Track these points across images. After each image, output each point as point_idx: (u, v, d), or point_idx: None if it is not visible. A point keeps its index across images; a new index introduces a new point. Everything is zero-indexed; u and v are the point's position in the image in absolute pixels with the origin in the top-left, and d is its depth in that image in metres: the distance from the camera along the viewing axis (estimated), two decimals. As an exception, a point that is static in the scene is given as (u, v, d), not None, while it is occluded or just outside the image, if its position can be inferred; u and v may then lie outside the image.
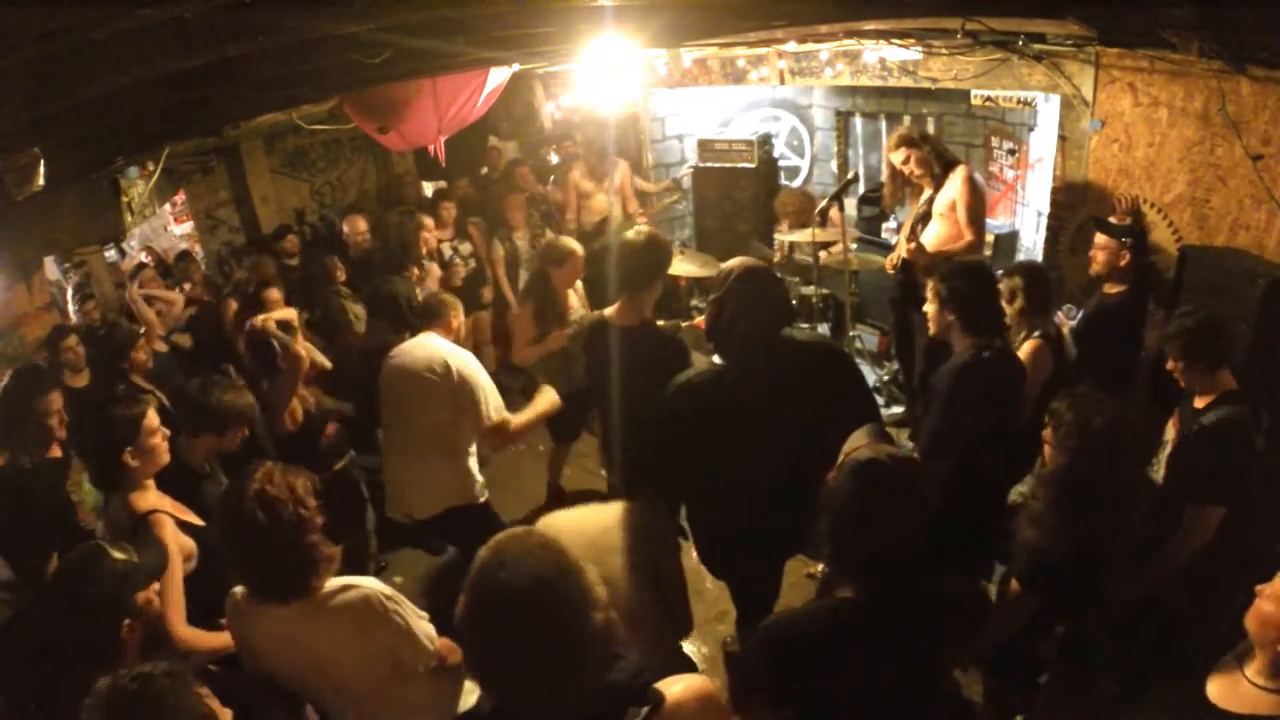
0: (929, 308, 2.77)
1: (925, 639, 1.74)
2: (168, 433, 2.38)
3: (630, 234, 2.90)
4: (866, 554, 1.69)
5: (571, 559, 1.23)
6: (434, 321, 3.26)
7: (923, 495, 1.75)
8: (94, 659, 1.70)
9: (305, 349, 3.32)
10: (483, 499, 3.24)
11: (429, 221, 5.14)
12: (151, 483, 2.33)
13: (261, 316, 3.33)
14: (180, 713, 1.35)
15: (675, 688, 1.26)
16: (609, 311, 2.98)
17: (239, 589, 1.91)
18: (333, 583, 1.87)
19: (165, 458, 2.34)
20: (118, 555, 1.87)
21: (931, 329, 2.79)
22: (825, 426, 2.44)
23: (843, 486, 1.73)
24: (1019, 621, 2.22)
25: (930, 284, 2.76)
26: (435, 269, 5.03)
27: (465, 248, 5.50)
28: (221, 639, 2.09)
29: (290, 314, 3.43)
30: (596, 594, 1.21)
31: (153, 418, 2.31)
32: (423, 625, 1.96)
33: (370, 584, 1.91)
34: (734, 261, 2.53)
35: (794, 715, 1.79)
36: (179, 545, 2.20)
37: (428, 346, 3.14)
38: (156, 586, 1.96)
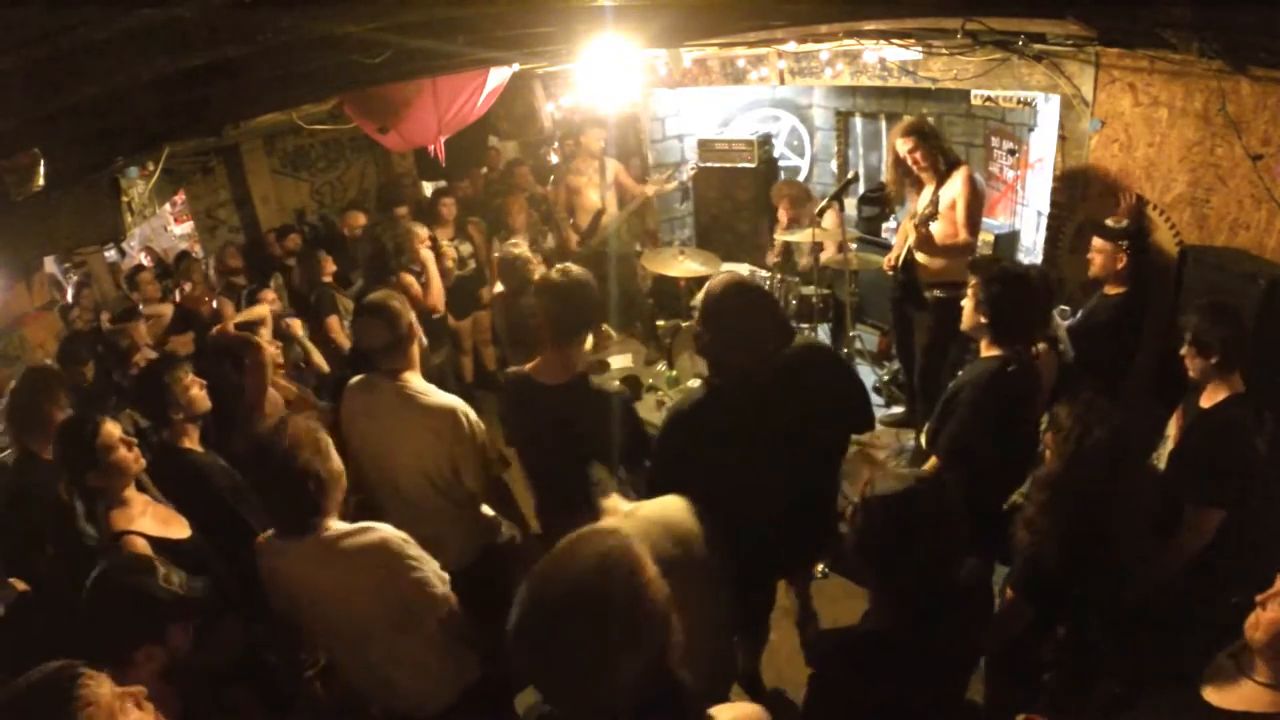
0: (965, 303, 2.74)
1: (961, 652, 1.76)
2: (133, 441, 2.35)
3: (554, 274, 2.47)
4: (909, 580, 1.65)
5: (644, 563, 1.12)
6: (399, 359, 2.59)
7: (959, 513, 1.68)
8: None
9: (276, 344, 3.36)
10: (500, 538, 2.81)
11: (422, 233, 5.09)
12: (131, 494, 2.30)
13: (218, 326, 3.40)
14: (69, 701, 1.35)
15: (727, 715, 1.23)
16: (530, 367, 2.54)
17: (271, 530, 2.03)
18: (347, 525, 1.97)
19: (135, 467, 2.32)
20: (171, 580, 1.83)
21: (965, 324, 2.76)
22: (822, 430, 2.41)
23: (879, 520, 1.66)
24: (1016, 627, 2.22)
25: (971, 280, 2.73)
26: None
27: (465, 248, 5.50)
28: None
29: (260, 312, 3.46)
30: (664, 603, 1.12)
31: (109, 434, 2.26)
32: (439, 577, 2.04)
33: (388, 529, 1.99)
34: (715, 281, 2.35)
35: None
36: None
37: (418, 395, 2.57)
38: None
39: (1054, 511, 2.09)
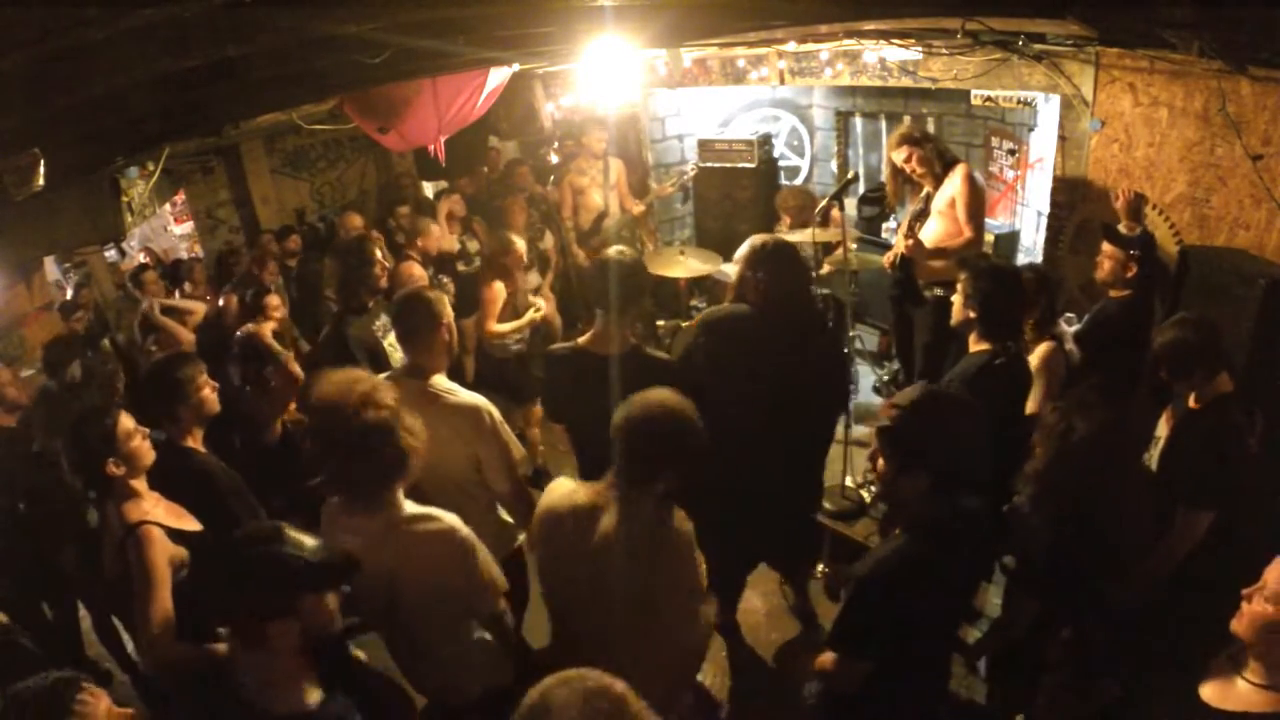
0: (955, 298, 2.79)
1: (974, 558, 1.93)
2: (146, 432, 2.36)
3: (615, 253, 2.62)
4: (941, 478, 1.78)
5: (629, 708, 1.12)
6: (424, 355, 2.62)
7: (985, 423, 1.85)
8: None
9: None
10: (516, 544, 2.76)
11: (436, 219, 5.11)
12: (143, 488, 2.30)
13: (251, 325, 3.33)
14: (65, 714, 1.37)
15: None
16: (583, 341, 2.66)
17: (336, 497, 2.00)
18: (418, 508, 1.96)
19: (149, 457, 2.33)
20: (304, 543, 1.63)
21: (954, 319, 2.81)
22: (813, 390, 2.73)
23: (915, 408, 1.81)
24: (1022, 623, 2.23)
25: (960, 276, 2.78)
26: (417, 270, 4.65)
27: (473, 245, 5.51)
28: (213, 653, 2.02)
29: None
30: None
31: (125, 422, 2.28)
32: (495, 571, 2.06)
33: (454, 520, 1.98)
34: (763, 236, 2.82)
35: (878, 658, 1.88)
36: (168, 557, 2.15)
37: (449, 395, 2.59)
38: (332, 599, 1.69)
39: (1040, 509, 2.12)
